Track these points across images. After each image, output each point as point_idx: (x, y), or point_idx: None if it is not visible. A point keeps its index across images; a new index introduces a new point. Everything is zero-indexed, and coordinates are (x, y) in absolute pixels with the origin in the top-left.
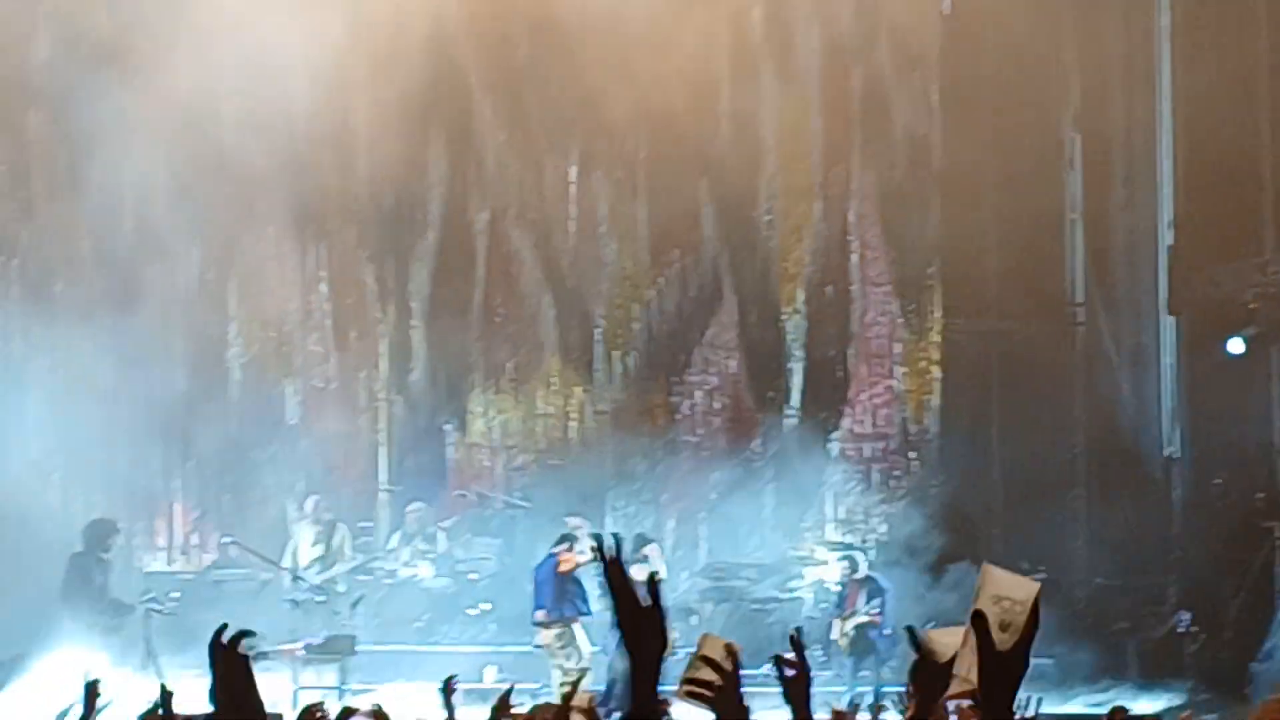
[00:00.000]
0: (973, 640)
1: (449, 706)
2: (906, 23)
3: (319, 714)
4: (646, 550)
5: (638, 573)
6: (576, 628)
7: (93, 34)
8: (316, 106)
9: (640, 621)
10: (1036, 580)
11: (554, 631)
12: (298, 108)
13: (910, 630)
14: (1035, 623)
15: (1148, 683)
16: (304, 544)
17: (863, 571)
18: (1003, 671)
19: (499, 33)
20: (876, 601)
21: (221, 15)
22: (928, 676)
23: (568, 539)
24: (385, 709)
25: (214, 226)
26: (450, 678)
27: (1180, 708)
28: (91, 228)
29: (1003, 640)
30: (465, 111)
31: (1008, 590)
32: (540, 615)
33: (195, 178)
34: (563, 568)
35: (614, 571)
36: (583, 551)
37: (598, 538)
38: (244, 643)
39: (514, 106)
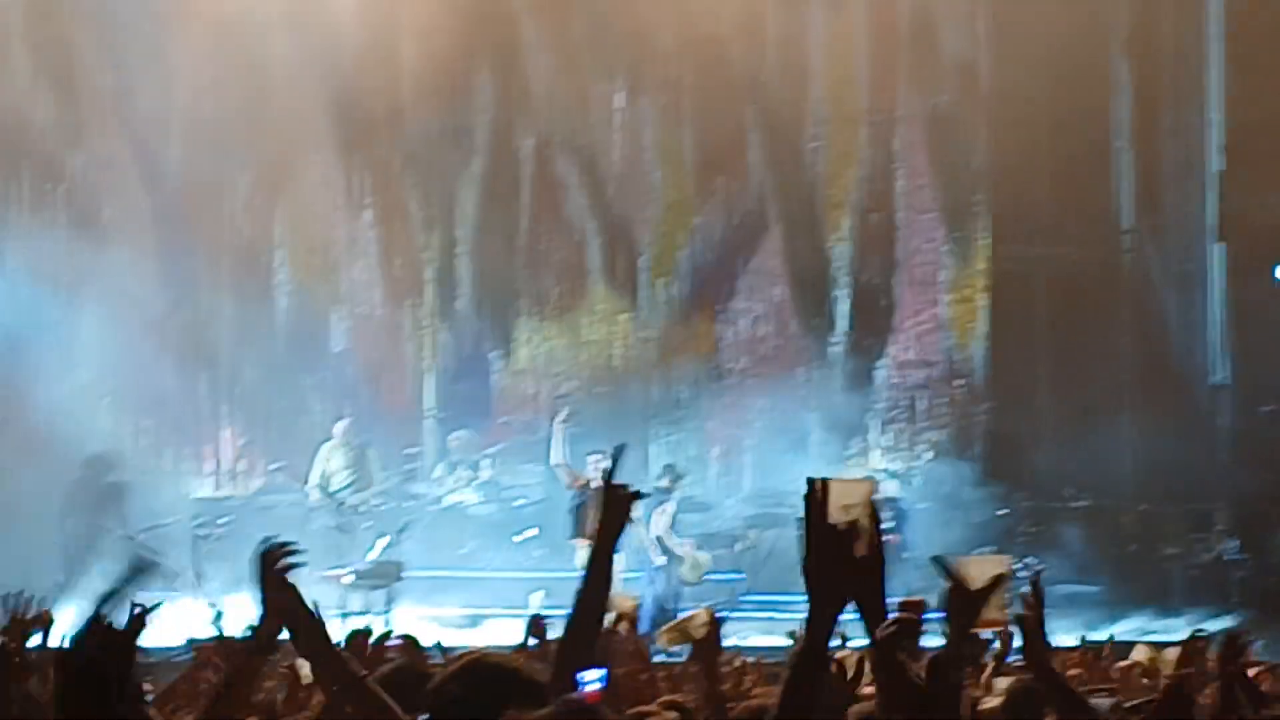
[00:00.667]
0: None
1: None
2: None
3: (366, 638)
4: (665, 482)
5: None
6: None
7: None
8: (362, 33)
9: (831, 563)
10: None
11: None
12: (344, 34)
13: (939, 560)
14: (879, 520)
15: (1195, 609)
16: (335, 469)
17: (885, 493)
18: (869, 575)
19: None
20: (895, 523)
21: None
22: (959, 605)
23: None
24: (426, 634)
25: (260, 153)
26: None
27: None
28: (138, 155)
29: (860, 545)
30: (511, 37)
31: (850, 497)
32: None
33: (242, 104)
34: (567, 483)
35: (816, 515)
36: (591, 473)
37: (614, 458)
38: (286, 559)
39: (560, 32)
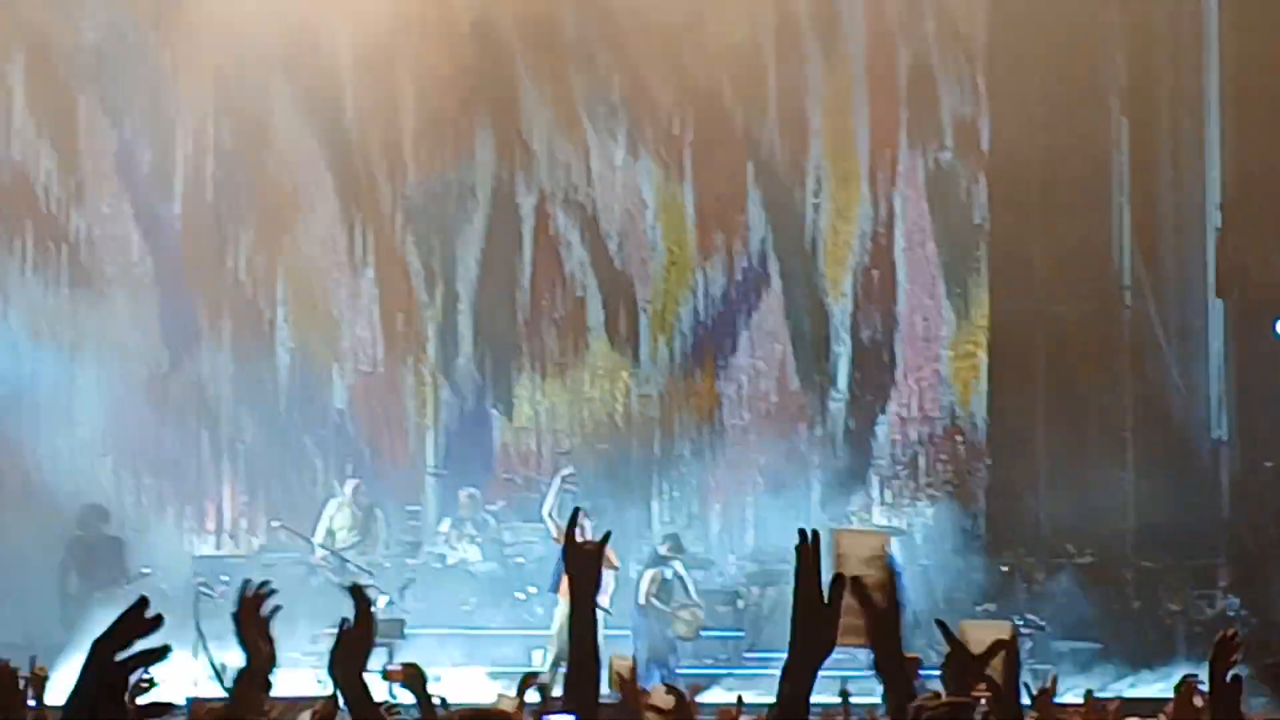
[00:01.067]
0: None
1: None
2: (953, 3)
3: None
4: (665, 549)
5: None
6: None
7: (139, 18)
8: (363, 90)
9: (816, 617)
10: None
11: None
12: (344, 92)
13: (941, 623)
14: (894, 572)
15: (1196, 667)
16: (340, 527)
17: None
18: (889, 625)
19: (545, 14)
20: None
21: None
22: (959, 669)
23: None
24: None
25: (261, 210)
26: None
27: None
28: (139, 213)
29: (878, 598)
30: (511, 94)
31: (866, 550)
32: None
33: (243, 162)
34: (554, 536)
35: (807, 568)
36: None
37: (571, 519)
38: (266, 602)
39: (560, 89)
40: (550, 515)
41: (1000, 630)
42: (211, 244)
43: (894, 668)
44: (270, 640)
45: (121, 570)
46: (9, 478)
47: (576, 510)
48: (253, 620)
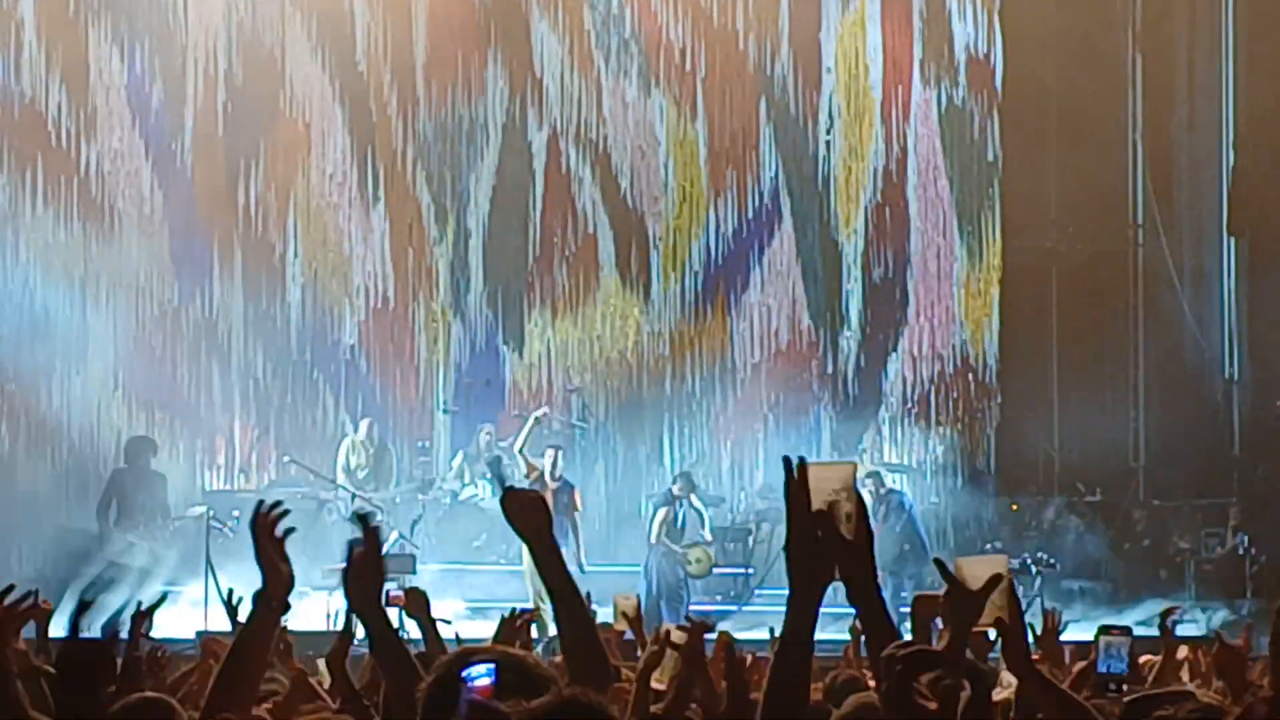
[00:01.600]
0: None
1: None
2: None
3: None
4: (677, 488)
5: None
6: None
7: None
8: (374, 25)
9: (810, 550)
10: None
11: None
12: (355, 27)
13: (939, 562)
14: (862, 503)
15: (1207, 603)
16: (356, 466)
17: (887, 486)
18: (857, 558)
19: None
20: (898, 516)
21: None
22: (959, 605)
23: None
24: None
25: (273, 145)
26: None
27: (1235, 622)
28: (152, 145)
29: (847, 529)
30: (523, 30)
31: (832, 481)
32: None
33: (254, 95)
34: (524, 472)
35: (796, 497)
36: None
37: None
38: (280, 522)
39: (573, 24)
40: (521, 453)
41: (996, 564)
42: (222, 178)
43: (867, 602)
44: (287, 560)
45: (163, 507)
46: (21, 413)
47: (498, 459)
48: (269, 540)
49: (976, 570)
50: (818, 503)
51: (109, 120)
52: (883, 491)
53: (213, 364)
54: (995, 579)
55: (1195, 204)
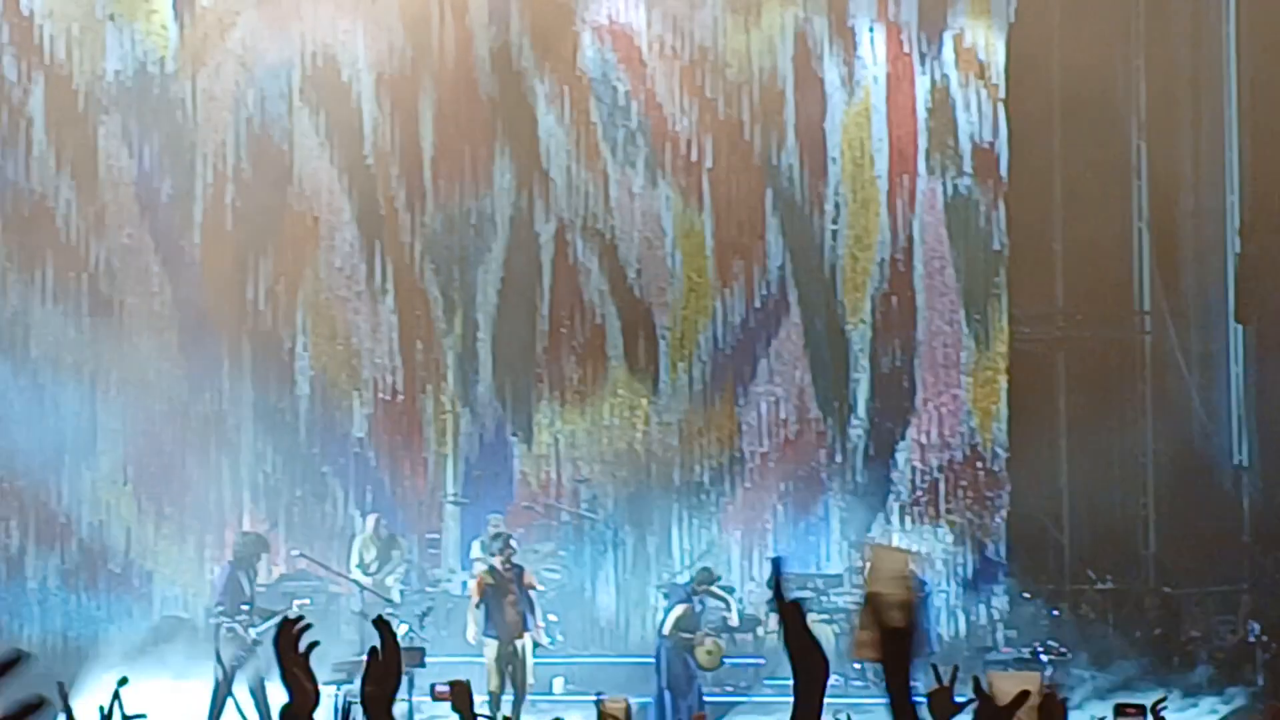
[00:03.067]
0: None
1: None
2: (973, 30)
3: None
4: (696, 585)
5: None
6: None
7: (158, 48)
8: (382, 119)
9: (808, 651)
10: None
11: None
12: (363, 120)
13: (975, 679)
14: (915, 591)
15: (1218, 692)
16: (368, 561)
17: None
18: (900, 644)
19: (563, 41)
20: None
21: (288, 27)
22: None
23: (498, 539)
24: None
25: (281, 240)
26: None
27: (1246, 709)
28: (160, 241)
29: (896, 617)
30: (530, 122)
31: (894, 566)
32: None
33: (263, 189)
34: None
35: (787, 606)
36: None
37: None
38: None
39: (579, 117)
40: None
41: (1028, 680)
42: (231, 273)
43: (900, 688)
44: (313, 678)
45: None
46: (32, 507)
47: (508, 539)
48: (293, 655)
49: (1006, 685)
50: (877, 584)
51: (118, 216)
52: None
53: (222, 458)
54: (1024, 695)
55: (1202, 291)
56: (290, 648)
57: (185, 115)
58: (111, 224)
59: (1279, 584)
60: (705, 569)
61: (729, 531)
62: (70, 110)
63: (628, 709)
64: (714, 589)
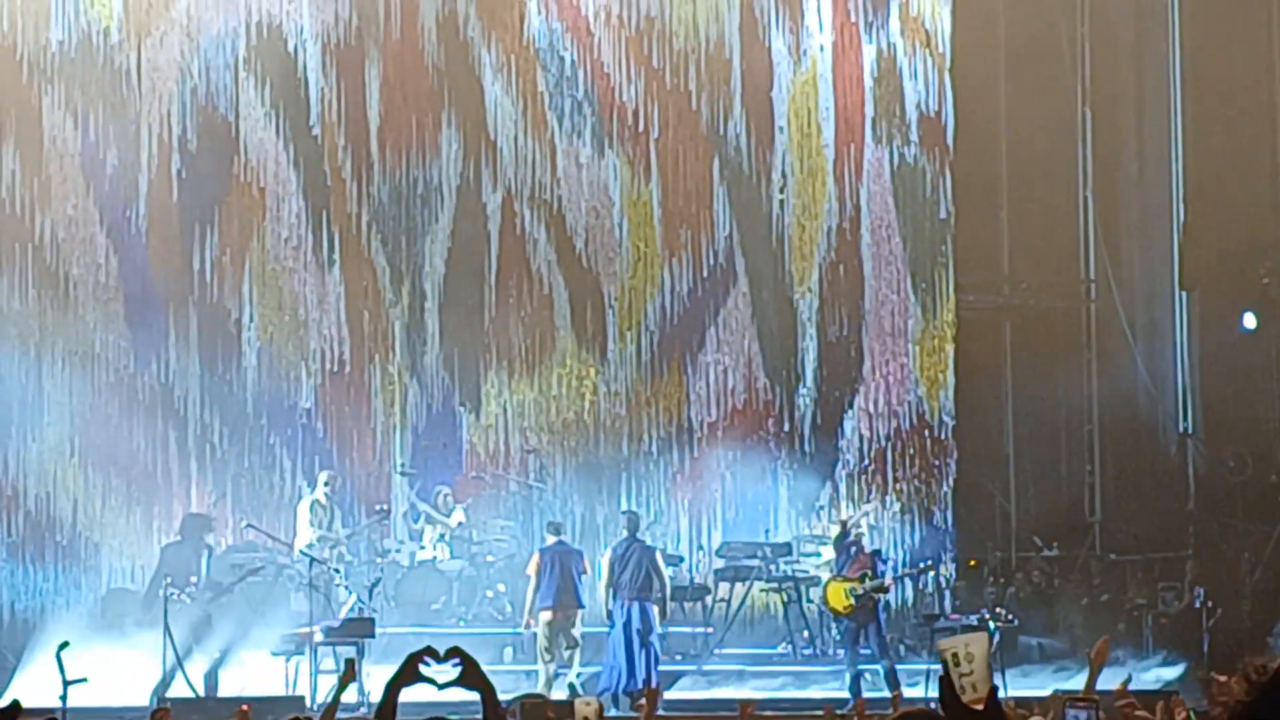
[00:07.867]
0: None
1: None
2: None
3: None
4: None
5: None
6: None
7: (104, 17)
8: (329, 87)
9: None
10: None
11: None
12: (309, 91)
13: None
14: (990, 668)
15: (1165, 658)
16: (303, 526)
17: (869, 546)
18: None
19: (511, 11)
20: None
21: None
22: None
23: (554, 527)
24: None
25: (228, 209)
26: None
27: (1190, 675)
28: (106, 212)
29: (973, 698)
30: (477, 93)
31: (973, 650)
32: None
33: (209, 160)
34: None
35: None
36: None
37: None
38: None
39: (526, 86)
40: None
41: (977, 640)
42: (177, 244)
43: None
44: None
45: (213, 582)
46: None
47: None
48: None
49: (957, 646)
50: (959, 669)
51: (63, 188)
52: (869, 551)
53: (169, 429)
54: (996, 710)
55: (1146, 258)
56: (410, 673)
57: (130, 85)
58: (57, 195)
59: (1223, 551)
60: (629, 511)
61: (677, 500)
62: (14, 80)
63: (600, 709)
64: (637, 537)
